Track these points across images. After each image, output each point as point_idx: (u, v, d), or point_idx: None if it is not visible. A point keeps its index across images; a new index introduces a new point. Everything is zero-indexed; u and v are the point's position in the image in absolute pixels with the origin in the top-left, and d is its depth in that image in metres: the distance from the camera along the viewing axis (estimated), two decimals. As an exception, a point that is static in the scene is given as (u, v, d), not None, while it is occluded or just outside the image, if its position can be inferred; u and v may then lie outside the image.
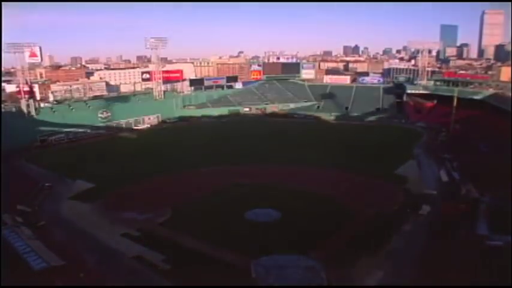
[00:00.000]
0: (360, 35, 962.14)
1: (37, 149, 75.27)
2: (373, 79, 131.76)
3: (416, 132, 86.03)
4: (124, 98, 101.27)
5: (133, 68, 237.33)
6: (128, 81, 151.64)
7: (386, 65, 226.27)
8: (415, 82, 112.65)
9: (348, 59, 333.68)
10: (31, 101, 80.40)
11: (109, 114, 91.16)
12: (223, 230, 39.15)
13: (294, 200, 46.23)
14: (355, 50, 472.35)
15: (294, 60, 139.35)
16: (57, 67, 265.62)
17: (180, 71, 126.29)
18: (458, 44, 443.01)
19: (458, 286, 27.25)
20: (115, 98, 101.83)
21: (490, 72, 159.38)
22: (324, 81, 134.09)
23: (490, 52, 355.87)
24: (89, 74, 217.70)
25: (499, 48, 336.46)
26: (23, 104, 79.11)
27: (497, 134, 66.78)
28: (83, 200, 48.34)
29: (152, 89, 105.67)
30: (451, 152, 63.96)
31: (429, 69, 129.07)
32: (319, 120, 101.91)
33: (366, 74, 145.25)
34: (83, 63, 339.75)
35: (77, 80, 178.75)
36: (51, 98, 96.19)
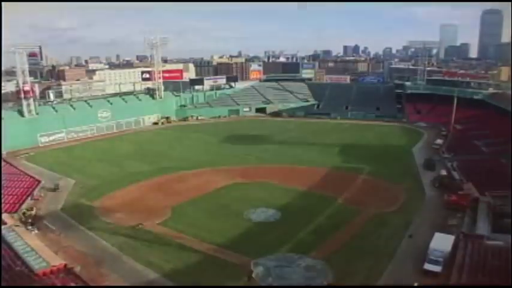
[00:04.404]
0: (360, 34, 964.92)
1: (37, 149, 75.23)
2: (373, 79, 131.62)
3: (417, 132, 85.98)
4: (124, 98, 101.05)
5: (134, 67, 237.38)
6: (128, 81, 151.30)
7: (386, 65, 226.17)
8: (415, 82, 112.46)
9: (348, 58, 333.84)
10: (31, 100, 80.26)
11: (109, 113, 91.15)
12: (223, 229, 39.16)
13: (294, 200, 46.28)
14: (355, 50, 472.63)
15: (294, 60, 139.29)
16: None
17: (180, 71, 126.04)
18: (458, 44, 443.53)
19: (459, 286, 27.28)
20: (115, 97, 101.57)
21: (490, 72, 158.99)
22: (324, 80, 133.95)
23: (490, 52, 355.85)
24: (90, 73, 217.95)
25: (499, 48, 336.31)
26: (23, 104, 78.99)
27: (497, 134, 66.79)
28: (83, 200, 48.32)
29: (152, 88, 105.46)
30: (451, 152, 63.99)
31: (429, 69, 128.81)
32: (319, 119, 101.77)
33: (366, 73, 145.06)
34: (83, 63, 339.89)
35: (78, 79, 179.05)
36: (51, 98, 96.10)
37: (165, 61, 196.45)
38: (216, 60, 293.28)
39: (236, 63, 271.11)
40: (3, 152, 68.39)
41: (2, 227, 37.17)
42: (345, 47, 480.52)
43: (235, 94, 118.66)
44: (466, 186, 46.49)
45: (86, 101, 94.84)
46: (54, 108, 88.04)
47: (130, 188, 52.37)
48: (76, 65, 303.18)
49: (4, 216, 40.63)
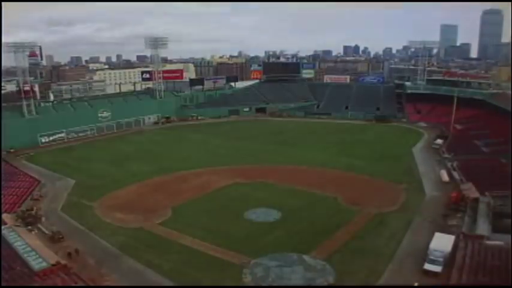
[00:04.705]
0: (360, 34, 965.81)
1: (37, 149, 75.23)
2: (373, 79, 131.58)
3: (417, 132, 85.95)
4: (124, 98, 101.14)
5: (134, 67, 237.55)
6: (128, 81, 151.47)
7: (386, 65, 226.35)
8: (415, 82, 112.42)
9: (348, 58, 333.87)
10: (31, 100, 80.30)
11: (109, 113, 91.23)
12: (223, 230, 39.18)
13: (294, 200, 46.27)
14: (355, 50, 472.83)
15: (294, 60, 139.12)
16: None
17: (181, 71, 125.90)
18: (458, 44, 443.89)
19: (459, 286, 27.28)
20: (115, 97, 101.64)
21: (490, 72, 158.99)
22: (324, 80, 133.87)
23: (490, 52, 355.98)
24: (90, 73, 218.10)
25: (498, 48, 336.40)
26: (23, 104, 79.03)
27: (497, 134, 66.77)
28: (83, 200, 48.32)
29: (152, 88, 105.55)
30: (451, 152, 63.97)
31: (429, 69, 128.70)
32: (319, 120, 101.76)
33: (366, 73, 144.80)
34: (83, 63, 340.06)
35: (78, 80, 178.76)
36: (51, 98, 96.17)
37: (165, 61, 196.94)
38: (216, 60, 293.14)
39: (236, 63, 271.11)
40: (3, 152, 68.51)
41: (2, 227, 37.21)
42: (345, 47, 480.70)
43: (235, 94, 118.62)
44: (466, 186, 46.55)
45: (86, 101, 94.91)
46: (54, 108, 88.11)
47: (131, 188, 52.39)
48: (76, 65, 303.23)
49: (4, 216, 40.68)
